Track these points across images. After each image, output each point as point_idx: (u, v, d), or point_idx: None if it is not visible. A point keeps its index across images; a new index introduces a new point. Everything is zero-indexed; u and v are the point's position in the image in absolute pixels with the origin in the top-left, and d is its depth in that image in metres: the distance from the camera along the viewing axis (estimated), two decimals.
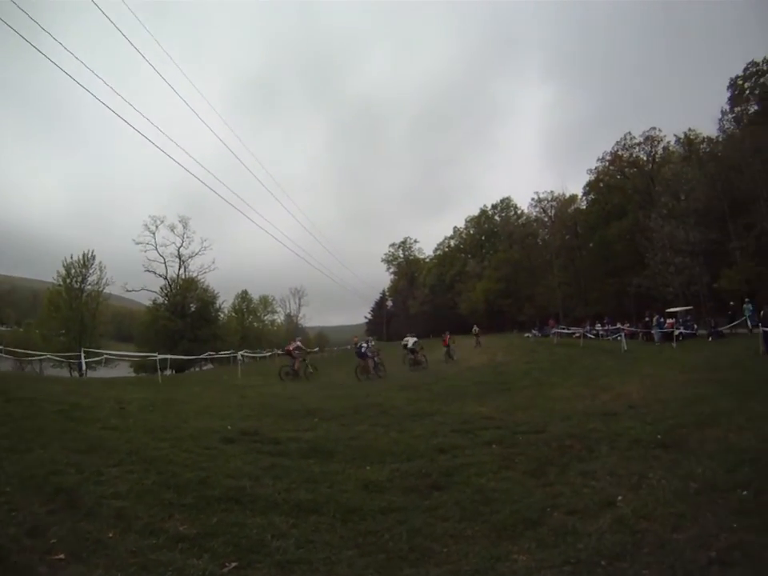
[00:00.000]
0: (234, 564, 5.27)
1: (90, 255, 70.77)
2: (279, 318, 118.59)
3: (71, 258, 69.95)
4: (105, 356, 43.07)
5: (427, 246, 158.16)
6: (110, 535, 5.63)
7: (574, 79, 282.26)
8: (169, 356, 40.68)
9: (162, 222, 78.99)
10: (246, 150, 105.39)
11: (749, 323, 34.78)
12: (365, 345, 31.46)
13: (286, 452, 10.10)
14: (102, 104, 18.67)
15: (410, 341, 35.00)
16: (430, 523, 6.58)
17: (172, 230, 79.39)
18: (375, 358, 31.15)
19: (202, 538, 5.79)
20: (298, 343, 32.46)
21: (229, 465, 8.89)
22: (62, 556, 5.06)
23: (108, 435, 10.63)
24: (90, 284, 70.88)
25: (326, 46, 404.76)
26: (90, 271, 70.77)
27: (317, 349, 79.62)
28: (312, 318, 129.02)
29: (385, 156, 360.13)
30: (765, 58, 62.26)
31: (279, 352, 56.76)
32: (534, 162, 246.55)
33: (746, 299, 38.59)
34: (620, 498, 7.17)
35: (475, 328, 56.71)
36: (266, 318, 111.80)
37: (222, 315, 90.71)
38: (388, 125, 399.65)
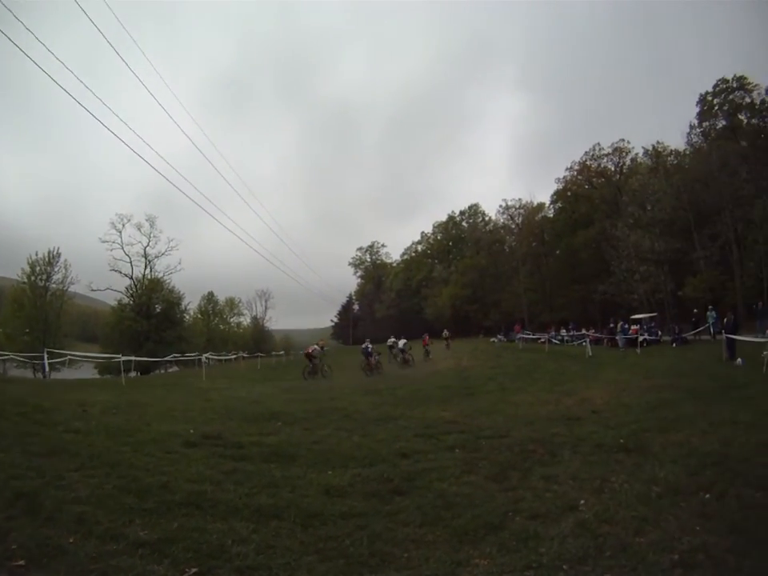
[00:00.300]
0: (194, 570, 5.23)
1: (55, 252, 69.94)
2: (245, 320, 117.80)
3: (36, 255, 69.09)
4: (69, 357, 42.45)
5: (395, 250, 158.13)
6: (71, 541, 5.55)
7: (547, 90, 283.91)
8: (133, 358, 40.37)
9: (129, 220, 77.82)
10: (215, 149, 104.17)
11: (712, 330, 35.38)
12: (370, 346, 37.09)
13: (248, 456, 10.06)
14: (71, 97, 18.38)
15: (400, 342, 41.95)
16: (391, 528, 6.60)
17: (138, 229, 78.13)
18: (376, 357, 36.68)
19: (163, 543, 5.73)
20: (316, 346, 35.87)
21: (190, 469, 8.83)
22: (22, 562, 4.98)
23: (70, 438, 10.52)
24: (54, 282, 70.21)
25: (301, 44, 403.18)
26: (56, 269, 70.01)
27: (326, 348, 79.94)
28: (278, 321, 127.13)
29: (355, 159, 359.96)
30: (735, 76, 63.90)
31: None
32: (503, 170, 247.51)
33: (710, 307, 39.26)
34: (582, 502, 7.23)
35: (446, 332, 59.43)
36: (231, 320, 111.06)
37: (187, 317, 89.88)
38: (360, 127, 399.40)
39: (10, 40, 15.49)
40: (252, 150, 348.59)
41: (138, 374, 51.14)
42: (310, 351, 34.98)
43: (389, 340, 45.03)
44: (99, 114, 20.18)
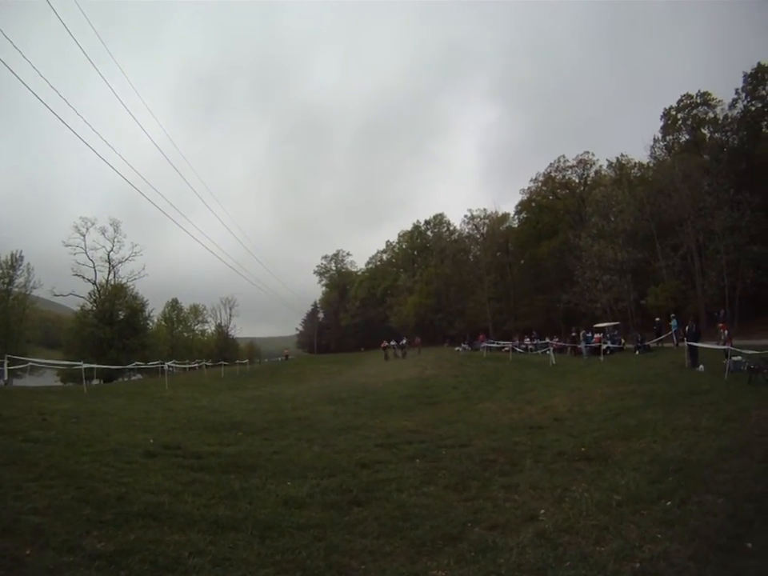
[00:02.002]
0: None
1: (17, 255, 69.22)
2: (210, 328, 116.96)
3: None
4: (30, 363, 41.67)
5: (360, 259, 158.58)
6: (27, 552, 5.47)
7: (516, 101, 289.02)
8: (95, 365, 39.80)
9: (93, 224, 76.54)
10: (184, 157, 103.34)
11: (675, 338, 35.68)
12: (402, 342, 62.27)
13: (207, 467, 10.00)
14: (35, 96, 17.98)
15: (403, 341, 62.69)
16: (349, 539, 6.57)
17: (102, 233, 77.11)
18: (406, 350, 58.94)
19: (119, 555, 5.65)
20: (386, 343, 60.58)
21: (149, 480, 8.73)
22: None
23: (28, 448, 10.34)
24: (17, 286, 69.39)
25: (278, 48, 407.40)
26: (18, 272, 69.32)
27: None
28: (243, 329, 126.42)
29: (325, 166, 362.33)
30: (699, 92, 65.47)
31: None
32: (470, 179, 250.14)
33: (672, 315, 39.61)
34: (542, 511, 7.27)
35: (416, 339, 67.53)
36: (196, 327, 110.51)
37: (151, 324, 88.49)
38: (331, 134, 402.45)
39: None
40: (224, 151, 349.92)
41: (101, 381, 50.49)
42: (384, 346, 59.51)
43: (391, 342, 62.51)
44: (65, 115, 19.87)
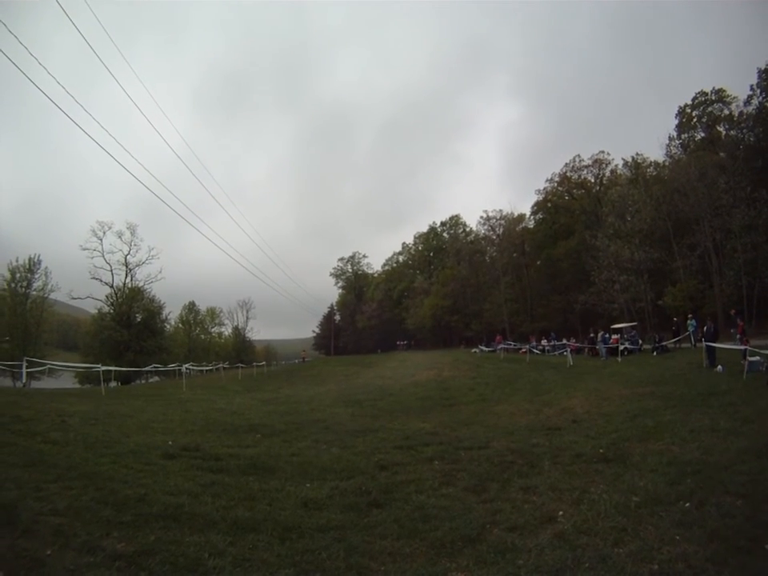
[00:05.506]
0: None
1: (36, 259, 69.33)
2: (227, 330, 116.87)
3: (17, 261, 68.44)
4: (49, 366, 41.83)
5: (377, 261, 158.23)
6: (48, 553, 5.50)
7: (536, 100, 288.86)
8: (113, 368, 39.93)
9: (110, 228, 76.52)
10: (200, 162, 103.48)
11: (692, 338, 35.34)
12: (404, 343, 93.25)
13: (226, 469, 10.02)
14: (54, 104, 17.97)
15: (405, 343, 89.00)
16: (368, 541, 6.57)
17: (119, 237, 77.09)
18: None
19: (140, 556, 5.68)
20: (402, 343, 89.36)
21: (168, 481, 8.76)
22: (1, 574, 4.94)
23: (48, 449, 10.44)
24: (35, 289, 69.49)
25: (300, 45, 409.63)
26: (36, 276, 69.38)
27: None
28: (260, 331, 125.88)
29: (345, 166, 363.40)
30: (713, 89, 65.36)
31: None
32: (489, 179, 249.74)
33: (690, 315, 39.15)
34: (561, 513, 7.23)
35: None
36: (213, 330, 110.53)
37: (168, 326, 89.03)
38: (352, 134, 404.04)
39: None
40: (246, 150, 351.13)
41: (119, 383, 50.58)
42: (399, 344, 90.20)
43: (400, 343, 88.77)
44: (82, 119, 19.93)
